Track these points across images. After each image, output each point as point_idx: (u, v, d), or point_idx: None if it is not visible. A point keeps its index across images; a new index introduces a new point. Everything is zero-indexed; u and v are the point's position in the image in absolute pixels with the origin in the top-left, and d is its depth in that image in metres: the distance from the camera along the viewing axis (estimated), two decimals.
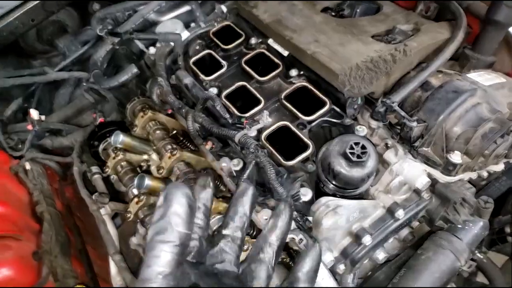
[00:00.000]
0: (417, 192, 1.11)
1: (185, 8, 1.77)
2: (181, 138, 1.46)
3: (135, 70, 1.48)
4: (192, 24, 1.67)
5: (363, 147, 1.00)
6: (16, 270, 1.19)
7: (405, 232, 1.19)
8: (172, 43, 1.53)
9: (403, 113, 1.06)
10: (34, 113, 1.42)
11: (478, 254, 1.37)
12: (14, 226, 1.30)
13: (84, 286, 1.12)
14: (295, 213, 1.06)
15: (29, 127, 1.45)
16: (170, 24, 1.68)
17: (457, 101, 1.03)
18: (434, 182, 1.10)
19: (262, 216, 1.11)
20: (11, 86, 1.46)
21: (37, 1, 1.41)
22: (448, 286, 1.14)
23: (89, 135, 1.57)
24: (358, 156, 0.99)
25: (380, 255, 1.13)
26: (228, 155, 1.25)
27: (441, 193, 1.10)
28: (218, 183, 1.34)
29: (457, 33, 1.12)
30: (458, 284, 1.49)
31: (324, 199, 1.02)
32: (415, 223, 1.22)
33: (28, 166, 1.59)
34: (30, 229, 1.38)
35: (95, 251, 1.67)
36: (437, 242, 1.08)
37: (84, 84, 1.59)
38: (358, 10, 1.32)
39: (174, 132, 1.46)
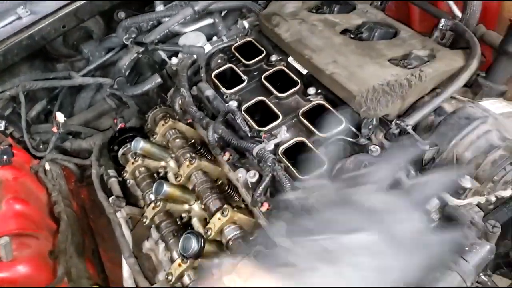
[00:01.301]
0: (427, 213, 1.15)
1: (208, 21, 1.84)
2: (199, 148, 1.51)
3: (158, 80, 1.55)
4: (214, 38, 1.74)
5: None
6: (34, 267, 1.23)
7: None
8: (195, 56, 1.59)
9: (416, 136, 1.10)
10: (60, 116, 1.49)
11: (483, 277, 1.39)
12: (33, 225, 1.35)
13: (99, 287, 1.16)
14: None
15: (54, 129, 1.51)
16: (193, 36, 1.75)
17: (469, 127, 1.07)
18: (443, 204, 1.13)
19: None
20: (39, 88, 1.53)
21: (70, 9, 1.48)
22: None
23: (109, 139, 1.63)
24: None
25: None
26: (244, 167, 1.30)
27: (450, 215, 1.13)
28: (232, 193, 1.39)
29: (471, 62, 1.17)
30: None
31: None
32: None
33: (47, 166, 1.64)
34: (47, 228, 1.43)
35: (106, 254, 1.71)
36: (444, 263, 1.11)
37: (108, 90, 1.66)
38: (376, 34, 1.38)
39: (193, 141, 1.51)
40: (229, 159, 1.33)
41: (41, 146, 1.64)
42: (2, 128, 1.46)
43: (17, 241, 1.22)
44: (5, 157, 1.40)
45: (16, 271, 1.16)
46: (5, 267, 1.14)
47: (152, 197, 1.38)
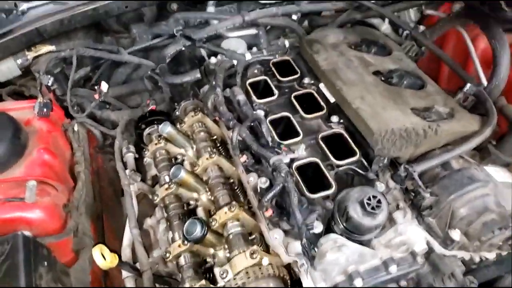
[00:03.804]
0: (413, 254, 1.23)
1: (252, 31, 1.97)
2: (218, 145, 1.62)
3: (198, 75, 1.67)
4: (254, 48, 1.86)
5: (379, 201, 1.13)
6: (49, 215, 1.33)
7: None
8: (234, 61, 1.71)
9: (420, 183, 1.20)
10: (104, 86, 1.61)
11: None
12: (56, 176, 1.46)
13: (105, 247, 1.24)
14: (304, 240, 1.19)
15: (96, 96, 1.63)
16: (235, 43, 1.88)
17: (469, 186, 1.17)
18: (430, 251, 1.22)
19: (273, 235, 1.24)
20: (88, 56, 1.66)
21: None
22: None
23: (139, 117, 1.74)
24: (373, 208, 1.12)
25: None
26: (257, 172, 1.40)
27: (434, 262, 1.22)
28: (239, 193, 1.49)
29: (485, 129, 1.27)
30: None
31: (333, 235, 1.15)
32: (403, 283, 1.33)
33: (76, 128, 1.76)
34: (66, 183, 1.54)
35: (107, 222, 1.81)
36: None
37: (149, 72, 1.78)
38: (405, 82, 1.49)
39: (215, 137, 1.62)
40: (245, 161, 1.43)
41: (75, 108, 1.76)
42: (49, 84, 1.58)
43: (39, 187, 1.33)
44: (45, 109, 1.52)
45: (33, 214, 1.26)
46: (26, 207, 1.25)
47: (167, 179, 1.48)
